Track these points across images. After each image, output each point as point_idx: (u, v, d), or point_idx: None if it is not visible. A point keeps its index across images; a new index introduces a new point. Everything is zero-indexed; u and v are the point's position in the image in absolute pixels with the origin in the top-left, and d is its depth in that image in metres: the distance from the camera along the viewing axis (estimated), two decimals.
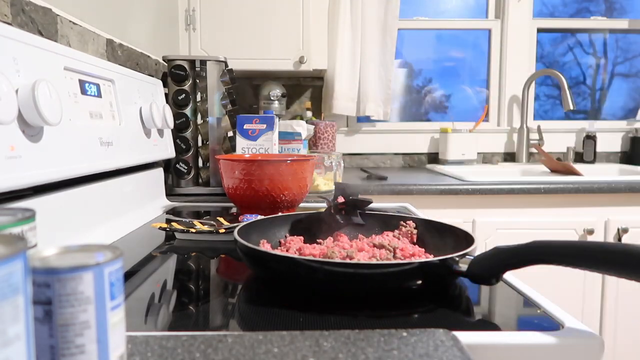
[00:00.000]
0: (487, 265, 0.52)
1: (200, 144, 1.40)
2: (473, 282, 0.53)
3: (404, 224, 0.72)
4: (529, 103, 2.38)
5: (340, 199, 0.72)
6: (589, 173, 2.14)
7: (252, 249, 0.56)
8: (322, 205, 1.21)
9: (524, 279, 1.26)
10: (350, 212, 0.72)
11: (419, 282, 0.53)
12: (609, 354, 1.66)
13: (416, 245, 0.68)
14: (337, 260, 0.57)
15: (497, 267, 0.51)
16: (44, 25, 0.86)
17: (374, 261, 0.58)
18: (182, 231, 0.82)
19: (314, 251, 0.63)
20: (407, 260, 0.57)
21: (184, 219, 0.98)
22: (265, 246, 0.65)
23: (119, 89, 0.97)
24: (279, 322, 0.47)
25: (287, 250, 0.65)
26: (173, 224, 0.84)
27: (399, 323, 0.47)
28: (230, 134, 1.39)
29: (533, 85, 2.46)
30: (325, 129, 2.28)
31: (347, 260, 0.56)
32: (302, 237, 0.70)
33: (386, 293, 0.54)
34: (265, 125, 1.21)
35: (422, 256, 0.64)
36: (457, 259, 0.53)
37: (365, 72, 2.42)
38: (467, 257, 0.54)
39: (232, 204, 1.18)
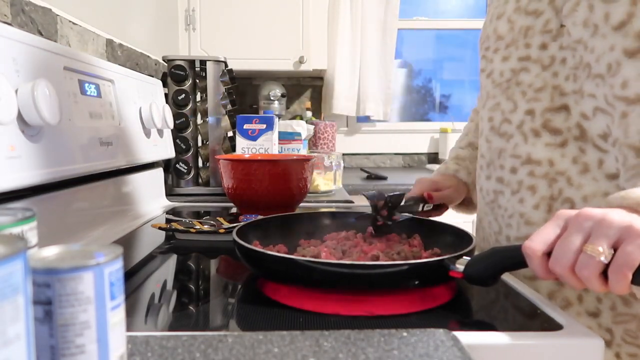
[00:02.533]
0: (484, 267, 0.52)
1: (200, 144, 1.40)
2: (469, 283, 0.53)
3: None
4: None
5: (380, 203, 0.72)
6: None
7: (249, 249, 0.56)
8: (322, 206, 1.21)
9: None
10: (390, 213, 0.73)
11: (416, 282, 0.53)
12: None
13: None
14: (334, 260, 0.57)
15: (494, 269, 0.51)
16: (44, 25, 0.86)
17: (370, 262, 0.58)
18: (182, 231, 0.82)
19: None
20: (403, 261, 0.57)
21: (184, 219, 0.98)
22: (257, 246, 0.65)
23: (119, 89, 0.97)
24: (279, 322, 0.47)
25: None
26: (173, 224, 0.84)
27: (399, 323, 0.47)
28: (230, 134, 1.39)
29: None
30: (325, 129, 2.28)
31: (344, 261, 0.56)
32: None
33: (384, 293, 0.54)
34: (265, 125, 1.21)
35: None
36: (453, 259, 0.53)
37: (365, 72, 2.43)
38: (465, 257, 0.54)
39: (232, 204, 1.18)
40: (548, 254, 0.46)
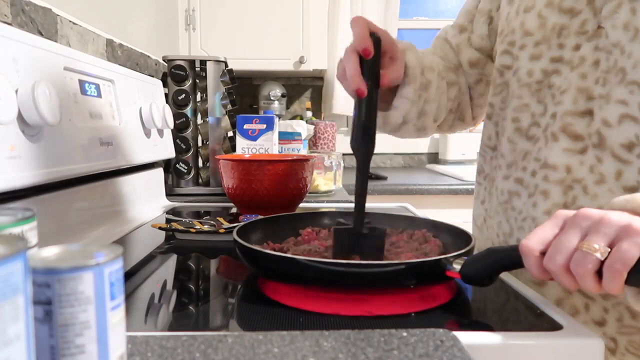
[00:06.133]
0: (480, 267, 0.51)
1: (200, 144, 1.40)
2: (466, 283, 0.53)
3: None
4: None
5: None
6: None
7: (249, 248, 0.56)
8: (322, 206, 1.21)
9: None
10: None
11: (414, 281, 0.53)
12: None
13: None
14: (331, 260, 0.57)
15: (490, 269, 0.51)
16: (44, 25, 0.86)
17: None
18: (182, 231, 0.82)
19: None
20: (399, 260, 0.57)
21: (184, 219, 0.98)
22: (269, 247, 0.65)
23: (119, 89, 0.97)
24: (279, 322, 0.47)
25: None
26: (173, 224, 0.84)
27: (399, 323, 0.47)
28: (230, 134, 1.39)
29: None
30: (325, 129, 2.28)
31: (340, 260, 0.56)
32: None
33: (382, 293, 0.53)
34: (265, 125, 1.21)
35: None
36: (451, 259, 0.53)
37: None
38: (462, 257, 0.54)
39: (232, 204, 1.18)
40: (545, 253, 0.46)
